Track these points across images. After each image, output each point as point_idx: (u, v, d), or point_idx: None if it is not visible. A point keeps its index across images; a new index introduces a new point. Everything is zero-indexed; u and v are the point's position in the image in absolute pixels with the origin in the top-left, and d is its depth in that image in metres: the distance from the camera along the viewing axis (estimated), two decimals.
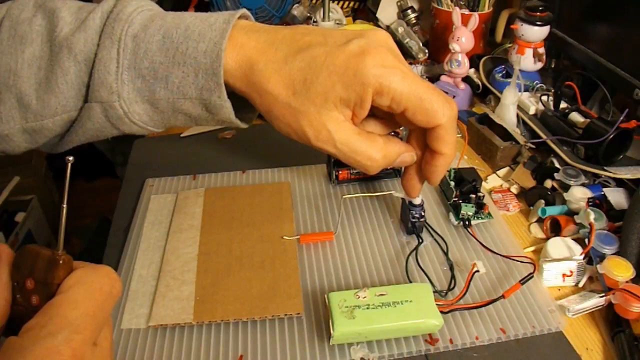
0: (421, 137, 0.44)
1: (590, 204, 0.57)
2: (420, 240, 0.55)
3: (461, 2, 0.88)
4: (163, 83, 0.39)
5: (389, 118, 0.44)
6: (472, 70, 0.85)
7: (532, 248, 0.56)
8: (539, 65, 0.79)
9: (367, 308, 0.43)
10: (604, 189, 0.59)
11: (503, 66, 0.83)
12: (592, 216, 0.52)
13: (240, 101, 0.42)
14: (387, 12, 0.99)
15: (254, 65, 0.39)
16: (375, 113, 0.44)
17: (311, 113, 0.39)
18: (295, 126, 0.40)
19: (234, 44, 0.39)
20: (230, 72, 0.39)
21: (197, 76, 0.39)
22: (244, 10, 0.42)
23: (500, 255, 0.53)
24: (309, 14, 0.98)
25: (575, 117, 0.67)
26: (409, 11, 0.97)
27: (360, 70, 0.37)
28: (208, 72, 0.38)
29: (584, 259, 0.51)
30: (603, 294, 0.48)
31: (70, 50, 0.39)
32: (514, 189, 0.63)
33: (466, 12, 0.86)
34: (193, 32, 0.39)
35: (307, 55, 0.38)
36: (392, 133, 0.48)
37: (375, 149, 0.41)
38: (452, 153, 0.43)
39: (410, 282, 0.50)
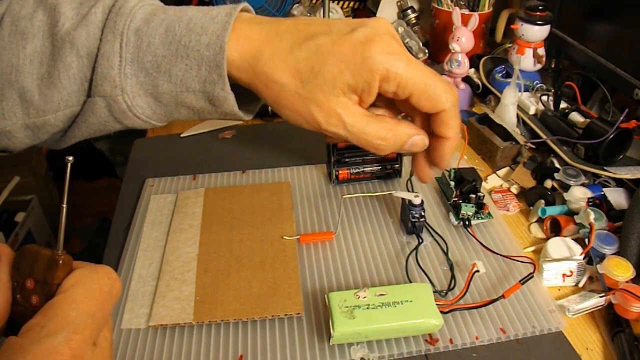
0: (424, 124, 0.44)
1: (590, 204, 0.56)
2: (420, 240, 0.55)
3: (461, 2, 0.88)
4: (166, 76, 0.39)
5: (390, 107, 0.45)
6: (472, 70, 0.85)
7: (532, 248, 0.56)
8: (539, 65, 0.79)
9: (367, 308, 0.43)
10: (604, 189, 0.59)
11: (503, 66, 0.83)
12: (592, 216, 0.52)
13: (241, 93, 0.42)
14: (387, 12, 0.99)
15: (259, 56, 0.39)
16: (376, 103, 0.44)
17: (320, 99, 0.39)
18: (304, 113, 0.40)
19: (237, 36, 0.39)
20: (234, 63, 0.39)
21: (200, 69, 0.39)
22: (245, 4, 0.42)
23: (500, 255, 0.53)
24: (309, 14, 0.98)
25: (575, 117, 0.67)
26: (409, 11, 0.97)
27: (368, 57, 0.38)
28: (211, 65, 0.38)
29: (584, 259, 0.51)
30: (603, 294, 0.48)
31: (72, 45, 0.39)
32: (514, 189, 0.63)
33: (466, 12, 0.86)
34: (195, 25, 0.39)
35: (313, 44, 0.39)
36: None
37: (385, 129, 0.41)
38: (457, 136, 0.43)
39: (410, 282, 0.50)
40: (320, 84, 0.38)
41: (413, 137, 0.43)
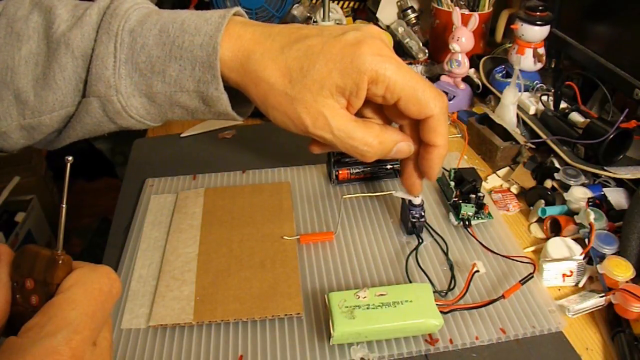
0: (413, 132, 0.44)
1: (590, 204, 0.56)
2: (420, 240, 0.55)
3: (461, 2, 0.88)
4: (160, 77, 0.39)
5: (378, 114, 0.45)
6: (472, 70, 0.85)
7: (532, 248, 0.56)
8: (539, 65, 0.79)
9: (367, 308, 0.43)
10: (604, 189, 0.59)
11: (503, 66, 0.83)
12: (592, 216, 0.52)
13: (236, 96, 0.42)
14: (387, 12, 0.99)
15: (251, 55, 0.39)
16: (364, 114, 0.44)
17: (307, 100, 0.39)
18: (291, 114, 0.40)
19: (230, 36, 0.39)
20: (226, 63, 0.39)
21: (194, 69, 0.39)
22: (238, 8, 0.42)
23: (500, 255, 0.53)
24: (309, 14, 0.98)
25: (575, 117, 0.67)
26: (409, 11, 0.97)
27: (357, 58, 0.38)
28: (205, 65, 0.39)
29: (584, 259, 0.51)
30: (603, 294, 0.48)
31: (67, 46, 0.39)
32: (514, 189, 0.63)
33: (466, 12, 0.86)
34: (189, 26, 0.39)
35: (304, 45, 0.39)
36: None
37: (371, 135, 0.41)
38: (446, 144, 0.43)
39: (410, 282, 0.50)
40: (309, 84, 0.39)
41: (399, 143, 0.43)
